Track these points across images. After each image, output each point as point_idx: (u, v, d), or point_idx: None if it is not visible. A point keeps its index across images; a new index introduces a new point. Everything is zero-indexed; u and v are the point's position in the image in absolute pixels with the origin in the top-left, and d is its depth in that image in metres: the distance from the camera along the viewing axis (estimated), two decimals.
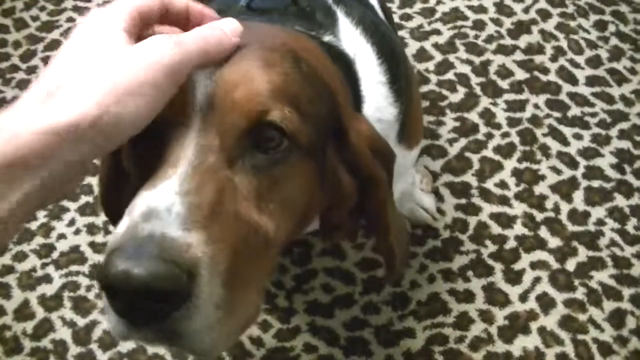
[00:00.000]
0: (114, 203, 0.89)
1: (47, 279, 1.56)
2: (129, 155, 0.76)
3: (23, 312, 1.52)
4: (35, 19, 2.04)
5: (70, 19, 2.03)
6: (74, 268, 1.57)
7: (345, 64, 0.96)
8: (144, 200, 0.62)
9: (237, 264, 0.64)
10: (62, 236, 1.62)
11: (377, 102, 1.01)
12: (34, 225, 1.64)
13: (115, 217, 0.91)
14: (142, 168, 0.71)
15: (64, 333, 1.49)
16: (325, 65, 0.84)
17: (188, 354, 0.65)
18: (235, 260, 0.64)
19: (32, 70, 1.92)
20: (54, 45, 1.97)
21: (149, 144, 0.70)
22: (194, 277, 0.60)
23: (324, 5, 1.05)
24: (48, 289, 1.55)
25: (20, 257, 1.60)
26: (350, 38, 1.02)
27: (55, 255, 1.60)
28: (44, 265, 1.58)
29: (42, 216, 1.65)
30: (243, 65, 0.70)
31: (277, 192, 0.71)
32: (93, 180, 1.68)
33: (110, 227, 1.55)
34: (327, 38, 0.98)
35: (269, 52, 0.73)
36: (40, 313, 1.52)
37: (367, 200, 0.85)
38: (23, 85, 1.89)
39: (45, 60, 1.93)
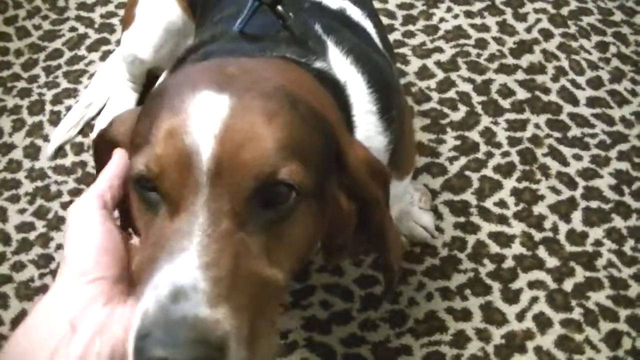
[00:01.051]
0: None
1: (45, 289, 1.53)
2: (133, 205, 0.78)
3: (20, 323, 1.51)
4: (37, 27, 2.05)
5: (73, 29, 2.03)
6: None
7: (337, 90, 0.97)
8: (168, 278, 0.63)
9: (255, 319, 0.66)
10: (60, 247, 1.61)
11: (367, 131, 1.02)
12: (32, 236, 1.64)
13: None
14: (142, 222, 0.75)
15: None
16: (319, 97, 0.85)
17: None
18: (253, 317, 0.66)
19: (33, 79, 1.92)
20: (56, 54, 1.97)
21: (148, 201, 0.73)
22: (224, 351, 0.61)
23: (315, 34, 1.06)
24: None
25: (19, 267, 1.60)
26: (340, 67, 1.02)
27: (53, 265, 1.59)
28: (42, 276, 1.58)
29: (40, 226, 1.65)
30: (246, 120, 0.70)
31: (286, 242, 0.72)
32: None
33: None
34: (318, 64, 0.98)
35: (267, 101, 0.73)
36: None
37: (366, 221, 0.86)
38: (24, 94, 1.89)
39: (47, 70, 1.94)
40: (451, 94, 1.83)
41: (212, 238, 0.66)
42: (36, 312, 0.69)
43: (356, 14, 1.25)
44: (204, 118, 0.70)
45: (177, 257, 0.65)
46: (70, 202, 1.67)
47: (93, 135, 1.76)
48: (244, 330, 0.64)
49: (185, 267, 0.64)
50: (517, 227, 1.61)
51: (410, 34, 1.96)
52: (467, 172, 1.69)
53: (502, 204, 1.64)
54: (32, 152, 1.77)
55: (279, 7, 1.02)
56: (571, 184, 1.67)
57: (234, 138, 0.68)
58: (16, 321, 1.52)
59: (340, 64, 1.02)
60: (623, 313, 1.49)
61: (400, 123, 1.11)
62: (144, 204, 0.73)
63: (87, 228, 0.74)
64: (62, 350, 0.65)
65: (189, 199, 0.68)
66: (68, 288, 0.70)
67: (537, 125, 1.76)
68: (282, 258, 0.72)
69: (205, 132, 0.69)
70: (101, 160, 0.86)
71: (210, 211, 0.67)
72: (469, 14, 2.00)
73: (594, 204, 1.64)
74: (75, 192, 1.69)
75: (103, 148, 0.87)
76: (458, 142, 1.74)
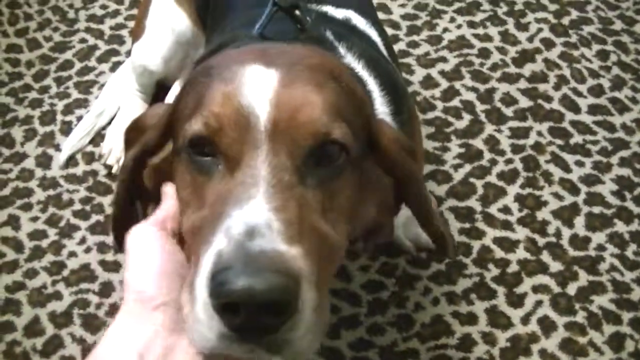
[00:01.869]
0: (124, 226, 0.92)
1: (58, 296, 1.58)
2: (178, 177, 0.80)
3: (33, 329, 1.54)
4: (48, 39, 2.08)
5: (83, 40, 2.06)
6: (84, 286, 1.59)
7: (362, 86, 1.00)
8: (240, 219, 0.65)
9: (320, 272, 0.68)
10: (72, 254, 1.64)
11: None
12: (44, 243, 1.66)
13: (121, 241, 0.95)
14: (191, 190, 0.76)
15: (73, 350, 1.51)
16: (354, 80, 0.89)
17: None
18: (318, 269, 0.68)
19: (44, 89, 1.95)
20: (66, 65, 2.00)
21: (201, 166, 0.75)
22: (299, 286, 0.63)
23: (327, 40, 1.09)
24: (58, 306, 1.57)
25: (31, 274, 1.62)
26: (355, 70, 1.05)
27: (65, 272, 1.61)
28: (54, 283, 1.60)
29: (53, 234, 1.67)
30: (297, 88, 0.74)
31: (337, 202, 0.76)
32: (104, 200, 1.71)
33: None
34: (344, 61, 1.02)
35: (313, 73, 0.77)
36: (50, 330, 1.54)
37: (406, 196, 0.90)
38: (35, 104, 1.92)
39: (58, 80, 1.96)
40: (455, 102, 1.86)
41: (277, 188, 0.69)
42: (104, 343, 0.69)
43: (361, 23, 1.28)
44: (257, 85, 0.74)
45: (245, 204, 0.67)
46: (82, 210, 1.70)
47: (106, 142, 1.78)
48: (313, 275, 0.66)
49: (256, 209, 0.66)
50: (521, 233, 1.63)
51: (414, 44, 1.99)
52: (472, 179, 1.71)
53: (506, 210, 1.66)
54: (44, 161, 1.80)
55: (297, 12, 1.05)
56: (574, 190, 1.69)
57: (289, 102, 0.73)
58: (29, 327, 1.54)
59: (353, 67, 1.05)
60: (626, 316, 1.51)
61: (410, 126, 1.14)
62: (196, 169, 0.75)
63: (146, 251, 0.75)
64: None
65: (249, 155, 0.71)
66: (134, 317, 0.70)
67: (539, 133, 1.79)
68: (335, 217, 0.75)
69: (260, 97, 0.73)
70: (130, 146, 0.89)
71: (272, 165, 0.70)
72: (471, 24, 2.03)
73: (597, 210, 1.66)
74: (87, 201, 1.72)
75: (133, 134, 0.89)
76: (462, 150, 1.76)
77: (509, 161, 1.74)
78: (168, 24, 1.60)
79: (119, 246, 0.95)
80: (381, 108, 1.07)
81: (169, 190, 0.84)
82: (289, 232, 0.66)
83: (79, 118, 1.85)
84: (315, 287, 0.66)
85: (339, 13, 1.26)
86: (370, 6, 1.47)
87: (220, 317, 0.63)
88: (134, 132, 0.90)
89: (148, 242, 0.76)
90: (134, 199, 0.91)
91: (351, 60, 1.08)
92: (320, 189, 0.74)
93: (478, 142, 1.77)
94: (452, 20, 2.05)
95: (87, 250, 1.64)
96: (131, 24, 2.00)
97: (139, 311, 0.70)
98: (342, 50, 1.08)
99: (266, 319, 0.62)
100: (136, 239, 0.77)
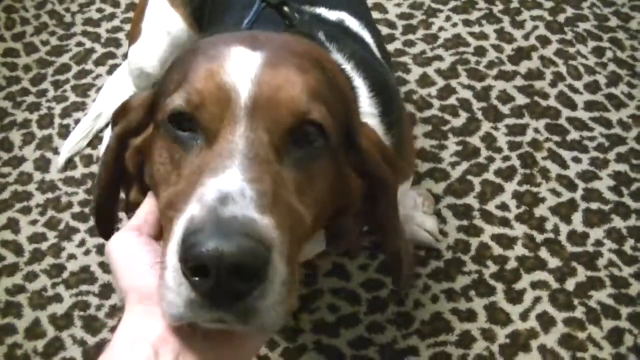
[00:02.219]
0: (106, 212, 0.93)
1: (58, 298, 1.59)
2: (156, 153, 0.80)
3: (34, 331, 1.55)
4: (45, 43, 2.08)
5: (80, 43, 2.06)
6: (84, 288, 1.60)
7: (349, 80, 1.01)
8: (214, 187, 0.66)
9: (291, 248, 0.69)
10: (72, 256, 1.65)
11: None
12: (44, 246, 1.67)
13: (103, 226, 0.95)
14: (168, 165, 0.76)
15: (74, 351, 1.52)
16: (340, 73, 0.89)
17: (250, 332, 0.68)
18: (289, 245, 0.68)
19: (42, 93, 1.96)
20: (64, 69, 2.01)
21: (179, 140, 0.75)
22: (270, 254, 0.64)
23: (318, 41, 1.09)
24: (58, 308, 1.57)
25: (31, 276, 1.62)
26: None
27: (65, 275, 1.62)
28: (54, 285, 1.61)
29: (52, 237, 1.68)
30: (281, 69, 0.75)
31: (311, 186, 0.76)
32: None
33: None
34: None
35: (298, 58, 0.78)
36: (50, 332, 1.54)
37: (376, 203, 0.89)
38: (33, 108, 1.92)
39: (55, 84, 1.97)
40: (452, 100, 1.86)
41: (252, 161, 0.69)
42: (117, 340, 0.69)
43: (354, 25, 1.29)
44: (240, 64, 0.75)
45: (220, 173, 0.67)
46: (81, 212, 1.71)
47: (102, 146, 1.79)
48: (284, 247, 0.67)
49: (231, 178, 0.67)
50: (519, 229, 1.63)
51: (410, 43, 1.99)
52: (469, 177, 1.72)
53: (503, 206, 1.67)
54: (42, 164, 1.80)
55: (285, 8, 1.05)
56: (571, 186, 1.70)
57: (270, 81, 0.74)
58: (30, 330, 1.55)
59: (343, 68, 1.06)
60: (624, 311, 1.52)
61: (399, 127, 1.14)
62: (174, 144, 0.76)
63: (133, 254, 0.75)
64: None
65: (228, 129, 0.72)
66: (142, 315, 0.70)
67: (536, 130, 1.80)
68: (309, 201, 0.76)
69: (243, 75, 0.74)
70: (116, 123, 0.89)
71: (249, 140, 0.71)
72: (467, 23, 2.04)
73: (594, 205, 1.67)
74: (85, 203, 1.72)
75: (120, 117, 0.89)
76: (459, 148, 1.77)
77: (506, 158, 1.75)
78: (164, 27, 1.60)
79: (101, 233, 0.96)
80: (369, 109, 1.08)
81: (149, 196, 0.84)
82: (261, 201, 0.66)
83: (77, 121, 1.86)
84: (286, 261, 0.66)
85: (332, 15, 1.27)
86: (363, 7, 1.48)
87: (189, 282, 0.63)
88: (121, 114, 0.90)
89: (130, 245, 0.76)
90: (117, 184, 0.91)
91: (342, 60, 1.08)
92: (296, 170, 0.75)
93: (475, 140, 1.78)
94: (448, 18, 2.05)
95: (87, 252, 1.65)
96: (127, 26, 2.00)
97: (145, 308, 0.70)
98: (333, 50, 1.09)
99: (235, 284, 0.62)
100: (117, 245, 0.77)
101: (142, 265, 0.72)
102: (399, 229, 0.93)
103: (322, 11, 1.27)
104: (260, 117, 0.72)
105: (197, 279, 0.62)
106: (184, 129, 0.75)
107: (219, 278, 0.61)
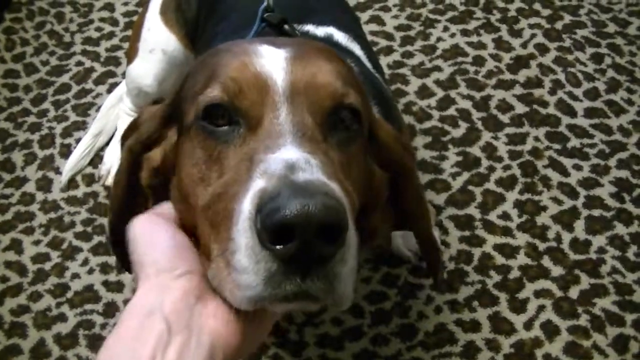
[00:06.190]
0: (121, 231, 0.91)
1: (62, 318, 1.59)
2: (187, 156, 0.79)
3: (39, 351, 1.55)
4: (45, 63, 2.09)
5: (79, 63, 2.08)
6: (88, 307, 1.60)
7: None
8: (277, 159, 0.66)
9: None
10: (76, 276, 1.65)
11: None
12: (47, 266, 1.67)
13: (123, 255, 0.94)
14: (205, 164, 0.76)
15: None
16: (355, 74, 0.90)
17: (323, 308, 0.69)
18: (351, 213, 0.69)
19: (43, 113, 1.97)
20: (64, 88, 2.02)
21: (217, 136, 0.75)
22: (346, 215, 0.63)
23: None
24: (63, 328, 1.57)
25: (35, 297, 1.63)
26: None
27: (69, 294, 1.62)
28: (58, 305, 1.61)
29: (55, 257, 1.68)
30: (311, 59, 0.77)
31: (351, 169, 0.77)
32: (105, 221, 1.71)
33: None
34: None
35: (322, 52, 0.81)
36: (56, 352, 1.54)
37: (402, 193, 0.90)
38: (34, 128, 1.93)
39: (56, 104, 1.98)
40: (451, 111, 1.86)
41: (304, 139, 0.70)
42: (130, 313, 0.68)
43: (343, 39, 1.30)
44: (271, 56, 0.76)
45: (277, 150, 0.68)
46: (84, 231, 1.71)
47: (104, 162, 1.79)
48: (352, 213, 0.68)
49: (291, 150, 0.68)
50: (521, 238, 1.63)
51: (409, 55, 2.00)
52: (470, 187, 1.72)
53: (505, 216, 1.67)
54: (45, 184, 1.81)
55: (286, 27, 1.06)
56: (572, 193, 1.70)
57: (304, 69, 0.76)
58: (35, 350, 1.55)
59: None
60: (629, 318, 1.51)
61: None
62: (211, 141, 0.75)
63: (153, 231, 0.75)
64: (159, 356, 0.64)
65: (271, 114, 0.72)
66: (158, 284, 0.69)
67: (536, 138, 1.80)
68: (350, 182, 0.76)
69: (276, 64, 0.75)
70: (126, 140, 0.89)
71: (295, 121, 0.72)
72: (465, 33, 2.05)
73: (596, 213, 1.67)
74: (88, 222, 1.73)
75: (130, 130, 0.89)
76: (460, 158, 1.77)
77: (506, 167, 1.75)
78: (159, 47, 1.62)
79: (123, 263, 0.93)
80: None
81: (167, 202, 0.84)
82: (326, 169, 0.67)
83: (78, 140, 1.87)
84: (354, 226, 0.67)
85: (320, 31, 1.28)
86: (351, 20, 1.49)
87: (271, 253, 0.62)
88: (130, 132, 0.90)
89: (152, 224, 0.77)
90: (132, 208, 0.88)
91: None
92: (339, 151, 0.76)
93: (475, 150, 1.78)
94: (446, 29, 2.06)
95: (90, 271, 1.65)
96: (126, 45, 2.01)
97: (163, 279, 0.69)
98: None
99: (320, 246, 0.61)
100: (139, 225, 0.77)
101: (164, 242, 0.73)
102: (428, 217, 0.94)
103: (310, 28, 1.28)
104: (301, 101, 0.74)
105: (279, 247, 0.61)
106: (218, 125, 0.75)
107: (305, 240, 0.60)
